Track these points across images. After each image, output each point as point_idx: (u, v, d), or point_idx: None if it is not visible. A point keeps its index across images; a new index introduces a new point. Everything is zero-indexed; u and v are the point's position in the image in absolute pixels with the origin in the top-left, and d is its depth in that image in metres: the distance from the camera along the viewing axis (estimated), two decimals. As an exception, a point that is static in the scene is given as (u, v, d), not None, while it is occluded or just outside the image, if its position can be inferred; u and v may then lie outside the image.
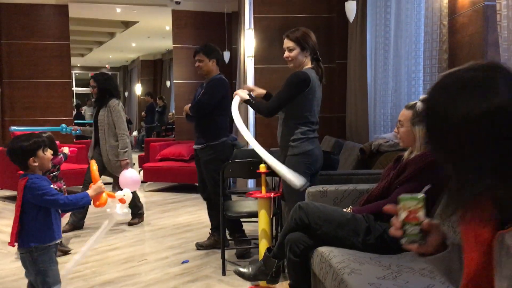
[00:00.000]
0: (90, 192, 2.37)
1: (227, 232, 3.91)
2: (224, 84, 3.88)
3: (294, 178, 2.62)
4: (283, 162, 2.99)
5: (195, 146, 3.94)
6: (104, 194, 2.45)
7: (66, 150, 4.05)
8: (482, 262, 1.02)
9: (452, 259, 1.11)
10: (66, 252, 3.83)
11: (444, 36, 3.12)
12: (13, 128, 4.15)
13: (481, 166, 0.95)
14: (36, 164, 2.31)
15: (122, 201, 2.55)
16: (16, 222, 2.25)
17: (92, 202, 2.39)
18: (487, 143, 0.93)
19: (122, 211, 2.56)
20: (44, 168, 2.37)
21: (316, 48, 3.01)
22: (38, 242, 2.27)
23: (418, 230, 1.09)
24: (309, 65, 3.00)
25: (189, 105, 3.89)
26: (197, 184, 6.42)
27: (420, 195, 1.11)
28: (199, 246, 3.99)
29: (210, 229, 4.06)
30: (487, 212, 0.99)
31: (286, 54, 3.01)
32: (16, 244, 2.34)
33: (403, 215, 1.10)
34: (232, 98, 3.17)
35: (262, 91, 3.22)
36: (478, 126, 0.93)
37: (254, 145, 2.84)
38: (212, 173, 3.69)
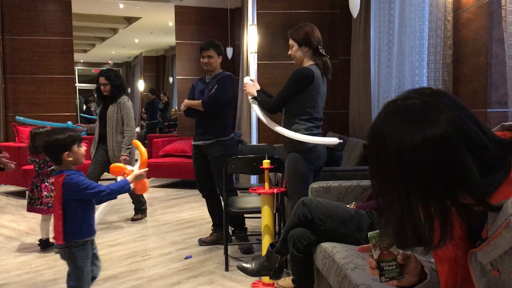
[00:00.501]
0: (129, 178, 2.39)
1: (230, 228, 3.92)
2: (234, 81, 3.95)
3: (329, 140, 2.78)
4: (286, 157, 3.00)
5: (199, 142, 3.88)
6: (146, 181, 2.49)
7: None
8: (459, 277, 1.02)
9: (434, 285, 1.09)
10: None
11: (448, 32, 3.11)
12: (19, 118, 4.09)
13: (409, 202, 0.93)
14: (71, 158, 2.29)
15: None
16: (60, 219, 2.24)
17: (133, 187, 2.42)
18: (420, 174, 0.91)
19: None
20: (78, 163, 2.34)
21: (320, 44, 3.00)
22: (80, 237, 2.29)
23: (394, 266, 1.06)
24: (312, 62, 2.99)
25: (192, 101, 3.87)
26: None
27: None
28: (202, 242, 3.99)
29: (212, 225, 4.06)
30: (454, 234, 0.98)
31: (289, 51, 3.06)
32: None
33: (376, 253, 1.06)
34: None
35: (258, 87, 3.22)
36: (410, 157, 0.90)
37: (275, 127, 3.00)
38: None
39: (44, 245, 3.86)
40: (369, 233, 1.07)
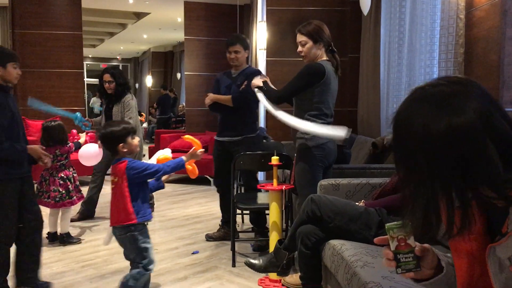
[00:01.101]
0: (185, 157, 2.55)
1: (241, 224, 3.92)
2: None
3: (336, 132, 2.68)
4: (296, 154, 2.99)
5: (225, 139, 3.82)
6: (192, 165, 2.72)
7: (82, 139, 4.04)
8: (476, 272, 1.01)
9: (450, 278, 1.09)
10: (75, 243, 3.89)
11: (460, 30, 3.09)
12: (32, 100, 3.99)
13: (434, 189, 0.92)
14: (125, 150, 2.43)
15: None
16: (129, 201, 2.38)
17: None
18: (443, 162, 0.90)
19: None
20: (133, 153, 2.50)
21: (330, 40, 2.99)
22: (142, 218, 2.43)
23: (411, 258, 1.05)
24: (324, 58, 2.98)
25: (220, 96, 3.79)
26: (207, 176, 6.50)
27: (407, 221, 1.07)
28: (209, 238, 4.00)
29: (221, 221, 4.06)
30: (472, 226, 0.97)
31: (299, 48, 2.98)
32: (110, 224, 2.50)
33: (393, 244, 1.06)
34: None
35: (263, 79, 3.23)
36: (434, 144, 0.90)
37: (285, 117, 2.91)
38: None
39: (52, 238, 3.88)
40: (387, 225, 1.06)
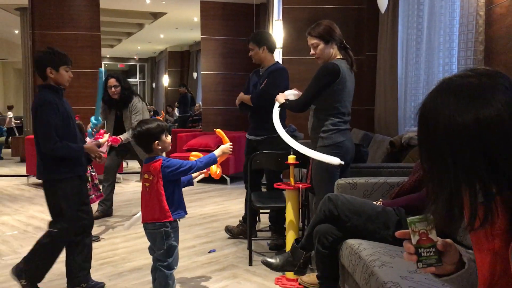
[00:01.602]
0: (216, 152, 2.59)
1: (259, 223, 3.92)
2: (285, 73, 3.82)
3: (329, 159, 2.75)
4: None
5: (251, 137, 3.86)
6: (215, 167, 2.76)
7: (104, 139, 3.92)
8: (498, 269, 0.99)
9: (471, 275, 1.07)
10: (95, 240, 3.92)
11: (480, 27, 3.04)
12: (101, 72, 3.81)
13: (457, 182, 0.91)
14: (160, 147, 2.45)
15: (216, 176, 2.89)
16: (164, 199, 2.41)
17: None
18: (468, 154, 0.89)
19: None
20: (166, 150, 2.52)
21: (341, 37, 2.98)
22: (178, 215, 2.48)
23: (433, 252, 1.04)
24: (338, 56, 2.97)
25: (244, 96, 3.82)
26: (223, 175, 6.51)
27: (429, 215, 1.05)
28: (228, 231, 4.04)
29: (242, 217, 4.08)
30: (496, 224, 0.95)
31: (312, 51, 2.98)
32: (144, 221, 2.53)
33: (415, 238, 1.04)
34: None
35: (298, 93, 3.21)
36: (460, 135, 0.89)
37: (284, 136, 2.99)
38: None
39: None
40: (409, 218, 1.05)
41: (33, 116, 2.71)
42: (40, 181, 6.89)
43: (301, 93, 3.12)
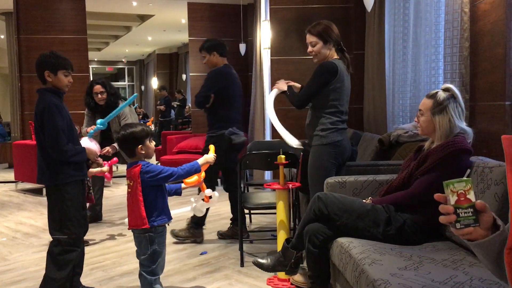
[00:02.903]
0: (200, 161, 2.55)
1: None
2: (221, 75, 3.88)
3: (291, 140, 3.02)
4: (311, 151, 3.00)
5: (207, 135, 4.04)
6: (196, 177, 2.65)
7: (105, 168, 3.80)
8: None
9: (503, 241, 1.07)
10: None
11: (465, 24, 3.06)
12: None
13: None
14: (143, 152, 2.42)
15: (206, 199, 2.75)
16: (142, 205, 2.37)
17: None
18: None
19: (199, 207, 2.80)
20: (149, 156, 2.48)
21: (339, 39, 3.05)
22: (161, 220, 2.42)
23: (471, 212, 1.05)
24: (335, 56, 3.02)
25: None
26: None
27: (467, 177, 1.07)
28: (220, 235, 4.07)
29: (231, 219, 4.11)
30: None
31: (310, 49, 3.04)
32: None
33: (453, 199, 1.05)
34: (238, 89, 3.66)
35: (298, 85, 3.29)
36: None
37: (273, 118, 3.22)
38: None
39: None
40: (445, 182, 1.06)
41: (38, 120, 2.66)
42: (29, 187, 6.83)
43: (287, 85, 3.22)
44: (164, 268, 2.54)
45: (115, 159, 3.75)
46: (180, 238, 3.96)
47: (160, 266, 2.47)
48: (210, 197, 2.76)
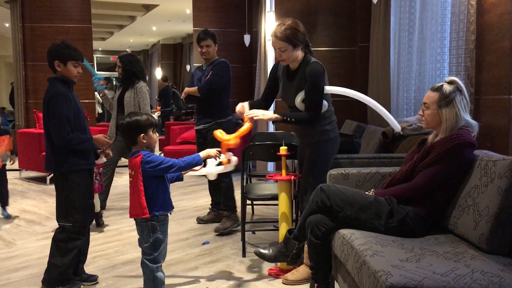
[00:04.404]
0: (202, 154, 2.53)
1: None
2: (229, 67, 4.08)
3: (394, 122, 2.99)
4: (312, 148, 2.97)
5: (200, 126, 4.08)
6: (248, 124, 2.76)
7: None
8: None
9: None
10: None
11: (471, 17, 3.04)
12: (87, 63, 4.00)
13: None
14: (145, 141, 2.40)
15: (226, 161, 2.70)
16: (143, 195, 2.36)
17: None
18: None
19: (213, 171, 2.71)
20: (150, 147, 2.45)
21: (306, 37, 2.89)
22: (163, 210, 2.42)
23: None
24: (302, 55, 2.91)
25: (190, 88, 4.03)
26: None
27: None
28: (200, 220, 4.25)
29: (211, 205, 4.28)
30: None
31: (278, 55, 2.88)
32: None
33: None
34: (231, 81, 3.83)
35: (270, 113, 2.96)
36: None
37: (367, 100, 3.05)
38: None
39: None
40: None
41: (45, 108, 2.69)
42: (33, 175, 6.86)
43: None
44: (166, 256, 2.55)
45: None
46: (207, 222, 4.22)
47: (162, 254, 2.48)
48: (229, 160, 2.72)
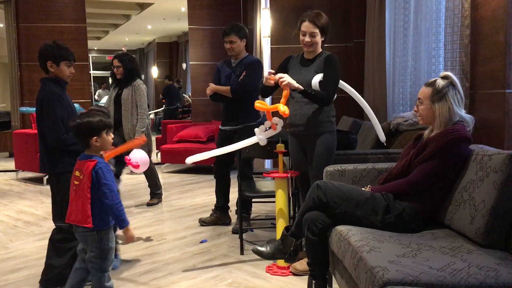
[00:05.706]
0: (129, 225, 2.32)
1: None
2: (262, 66, 3.91)
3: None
4: (318, 140, 2.98)
5: (227, 128, 3.91)
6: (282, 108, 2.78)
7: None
8: None
9: None
10: None
11: (466, 11, 3.04)
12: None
13: None
14: (98, 144, 2.28)
15: (273, 127, 3.00)
16: (88, 203, 2.21)
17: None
18: None
19: (263, 137, 3.02)
20: (104, 149, 2.33)
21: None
22: (108, 223, 2.29)
23: None
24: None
25: (220, 86, 3.84)
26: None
27: None
28: (202, 222, 4.14)
29: (214, 206, 4.16)
30: None
31: (308, 39, 2.94)
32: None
33: None
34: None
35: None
36: None
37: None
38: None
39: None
40: None
41: (39, 109, 2.67)
42: (29, 175, 6.84)
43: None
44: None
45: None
46: (209, 224, 4.12)
47: (109, 262, 2.32)
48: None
